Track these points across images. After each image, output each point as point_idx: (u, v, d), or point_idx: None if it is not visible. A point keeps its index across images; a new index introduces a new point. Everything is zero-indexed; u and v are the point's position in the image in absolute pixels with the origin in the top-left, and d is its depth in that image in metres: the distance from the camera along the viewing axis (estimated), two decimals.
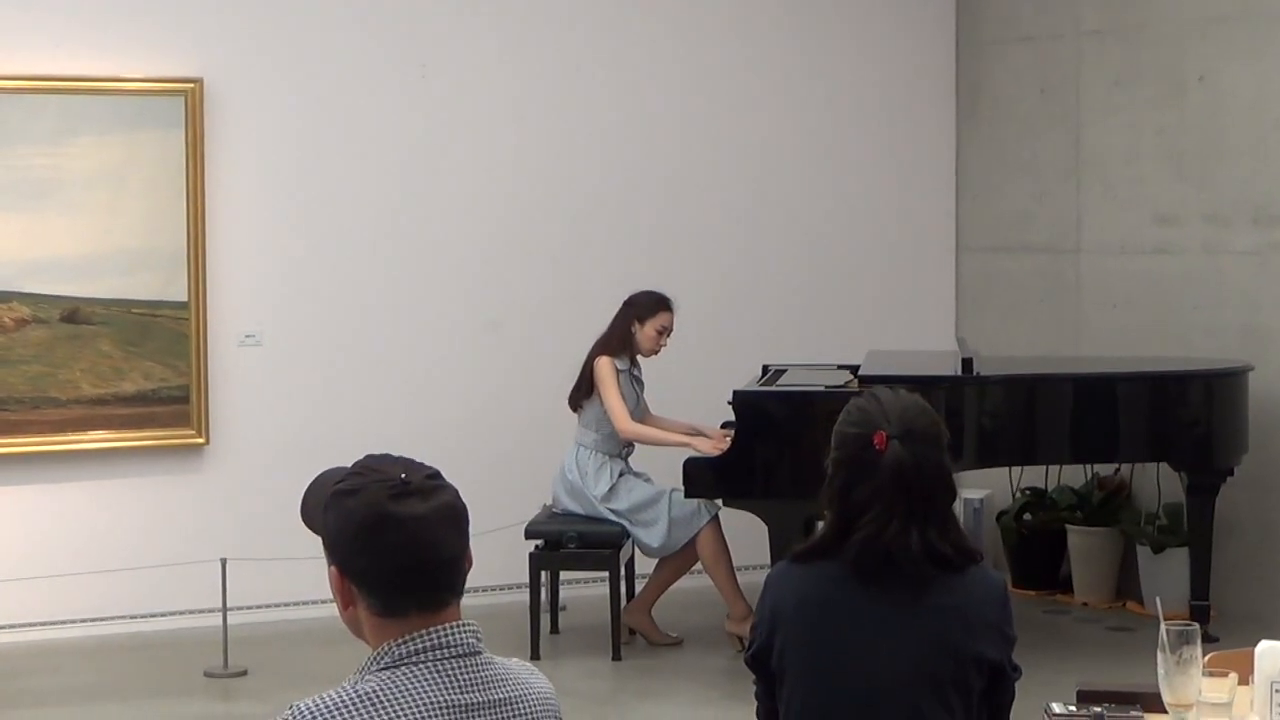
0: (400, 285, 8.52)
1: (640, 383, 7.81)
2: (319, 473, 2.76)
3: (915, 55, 9.36)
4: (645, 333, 7.70)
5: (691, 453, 7.35)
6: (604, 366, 7.64)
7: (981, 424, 7.31)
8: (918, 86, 9.38)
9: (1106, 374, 7.71)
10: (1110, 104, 8.68)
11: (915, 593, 3.28)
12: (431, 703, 2.52)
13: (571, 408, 7.75)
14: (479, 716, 2.56)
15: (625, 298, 7.77)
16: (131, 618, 8.08)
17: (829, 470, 3.35)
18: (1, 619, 7.90)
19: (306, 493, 2.74)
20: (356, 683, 2.54)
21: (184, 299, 8.07)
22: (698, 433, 7.70)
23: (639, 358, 7.78)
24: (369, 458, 2.65)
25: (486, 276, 8.64)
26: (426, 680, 2.53)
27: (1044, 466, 8.60)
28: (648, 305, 7.72)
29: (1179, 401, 7.60)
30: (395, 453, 2.68)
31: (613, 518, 7.59)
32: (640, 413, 7.78)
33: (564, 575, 8.02)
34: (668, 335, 7.74)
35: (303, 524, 2.74)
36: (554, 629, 7.98)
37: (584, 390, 7.70)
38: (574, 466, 7.69)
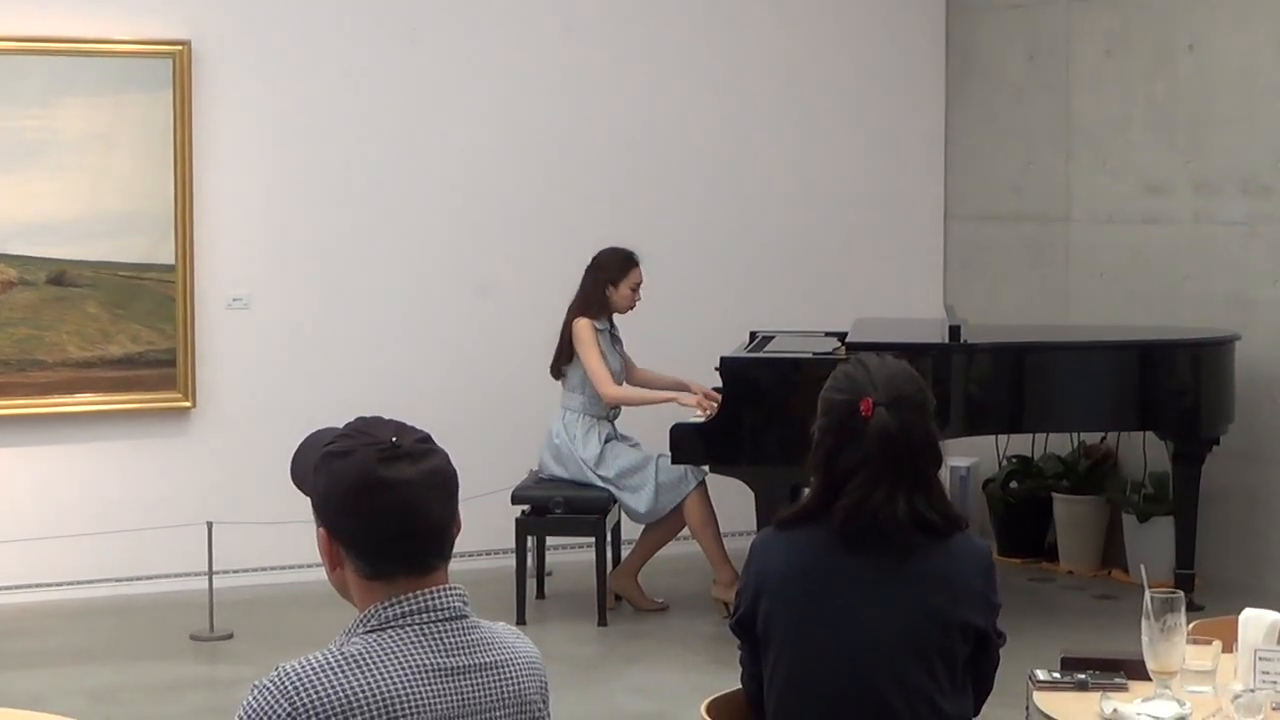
0: (389, 249, 8.50)
1: (619, 340, 7.80)
2: (310, 433, 2.76)
3: (905, 21, 9.34)
4: (620, 292, 7.67)
5: (678, 418, 7.34)
6: (584, 329, 7.61)
7: (969, 392, 7.32)
8: (908, 52, 9.35)
9: (1094, 343, 7.72)
10: (1100, 72, 8.67)
11: (900, 559, 3.29)
12: (418, 665, 2.52)
13: (554, 375, 7.72)
14: (465, 680, 2.56)
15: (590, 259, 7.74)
16: (117, 581, 8.07)
17: (815, 436, 3.35)
18: None
19: (297, 453, 2.73)
20: (343, 645, 2.54)
21: (171, 262, 8.05)
22: (682, 387, 7.71)
23: (615, 316, 7.76)
24: (361, 419, 2.64)
25: (476, 240, 8.62)
26: (413, 643, 2.53)
27: (1031, 435, 8.61)
28: (617, 266, 7.67)
29: (1166, 370, 7.60)
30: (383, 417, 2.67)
31: (599, 483, 7.59)
32: (623, 371, 7.76)
33: (550, 541, 8.02)
34: (639, 289, 7.72)
35: (292, 485, 2.73)
36: (540, 594, 7.98)
37: (565, 355, 7.67)
38: (561, 431, 7.68)
